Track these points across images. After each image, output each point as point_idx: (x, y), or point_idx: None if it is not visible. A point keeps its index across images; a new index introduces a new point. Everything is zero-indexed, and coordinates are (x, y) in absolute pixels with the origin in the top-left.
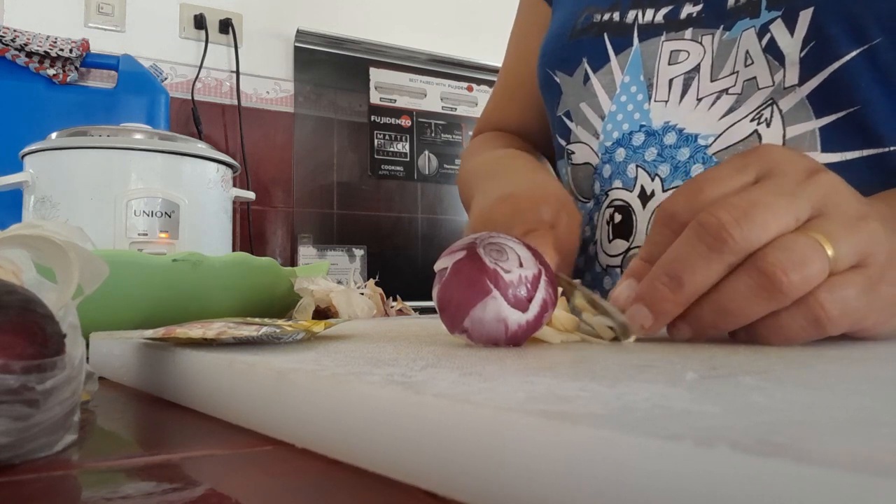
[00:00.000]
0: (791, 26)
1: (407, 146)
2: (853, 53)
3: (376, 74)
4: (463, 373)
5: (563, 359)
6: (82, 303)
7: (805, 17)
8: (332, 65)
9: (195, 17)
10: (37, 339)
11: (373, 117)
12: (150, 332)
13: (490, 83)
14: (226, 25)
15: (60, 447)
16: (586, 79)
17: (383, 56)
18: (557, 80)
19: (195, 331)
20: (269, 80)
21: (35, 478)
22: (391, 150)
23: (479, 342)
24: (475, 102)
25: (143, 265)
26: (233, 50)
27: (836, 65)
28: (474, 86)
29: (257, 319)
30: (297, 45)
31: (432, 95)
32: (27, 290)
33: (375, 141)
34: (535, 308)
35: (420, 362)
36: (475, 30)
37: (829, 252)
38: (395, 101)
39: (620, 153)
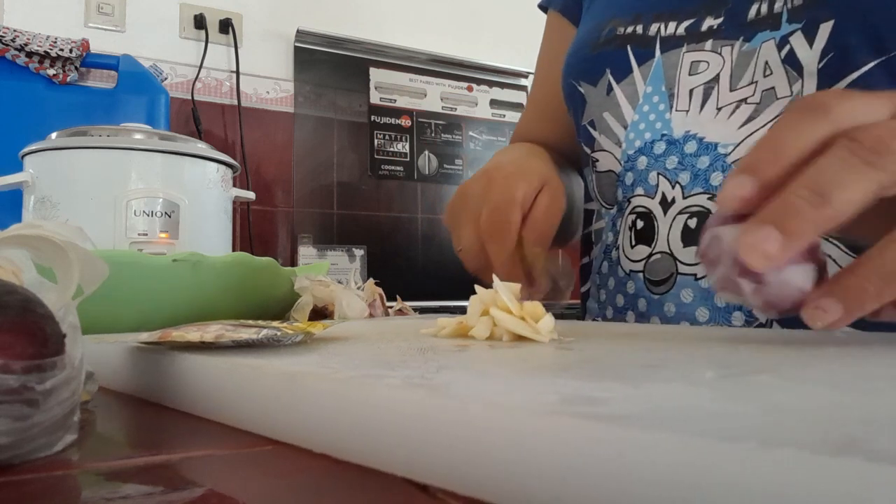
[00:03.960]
0: (811, 38)
1: (407, 146)
2: (871, 64)
3: (376, 74)
4: (478, 374)
5: (571, 359)
6: (82, 303)
7: (825, 29)
8: (332, 65)
9: (195, 17)
10: (37, 339)
11: (373, 117)
12: (145, 336)
13: (490, 83)
14: (226, 25)
15: (60, 447)
16: (609, 89)
17: (383, 56)
18: (581, 90)
19: (192, 334)
20: (269, 80)
21: (35, 478)
22: (391, 150)
23: (762, 299)
24: (475, 102)
25: (143, 265)
26: (233, 50)
27: (854, 75)
28: (474, 86)
29: (254, 321)
30: (297, 45)
31: (432, 95)
32: (27, 290)
33: (375, 141)
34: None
35: (431, 364)
36: (475, 30)
37: None
38: (395, 101)
39: (642, 161)
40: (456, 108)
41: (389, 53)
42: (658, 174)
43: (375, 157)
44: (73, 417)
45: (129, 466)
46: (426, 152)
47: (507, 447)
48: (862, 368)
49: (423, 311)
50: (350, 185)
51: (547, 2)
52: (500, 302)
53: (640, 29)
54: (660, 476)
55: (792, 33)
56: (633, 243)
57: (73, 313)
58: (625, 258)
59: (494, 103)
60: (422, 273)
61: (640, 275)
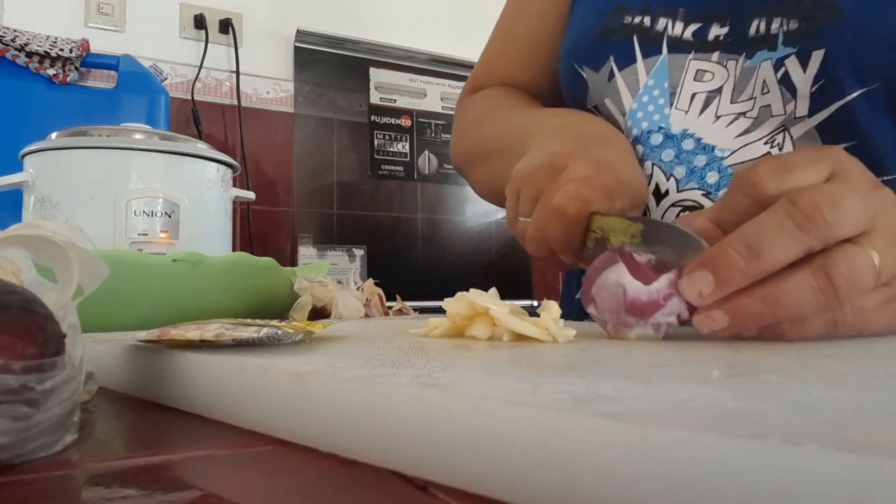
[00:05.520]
0: (804, 63)
1: (407, 146)
2: (855, 94)
3: (376, 74)
4: (486, 373)
5: (575, 359)
6: (82, 303)
7: (817, 57)
8: (332, 65)
9: (195, 17)
10: (37, 339)
11: (373, 117)
12: (143, 334)
13: None
14: (226, 25)
15: (60, 447)
16: (611, 76)
17: (383, 56)
18: (584, 75)
19: (192, 332)
20: (269, 80)
21: (35, 478)
22: (391, 150)
23: (603, 314)
24: None
25: (143, 265)
26: (233, 50)
27: (840, 102)
28: None
29: (253, 320)
30: (297, 45)
31: (432, 95)
32: (27, 290)
33: (375, 141)
34: (660, 283)
35: (436, 363)
36: (475, 30)
37: (876, 269)
38: (395, 101)
39: (638, 150)
40: None
41: (389, 53)
42: (653, 164)
43: (375, 157)
44: (73, 417)
45: (129, 466)
46: (426, 152)
47: (521, 446)
48: (868, 367)
49: (423, 311)
50: (350, 185)
51: None
52: (495, 303)
53: (647, 21)
54: (680, 475)
55: (787, 56)
56: None
57: (73, 313)
58: None
59: None
60: (422, 273)
61: None
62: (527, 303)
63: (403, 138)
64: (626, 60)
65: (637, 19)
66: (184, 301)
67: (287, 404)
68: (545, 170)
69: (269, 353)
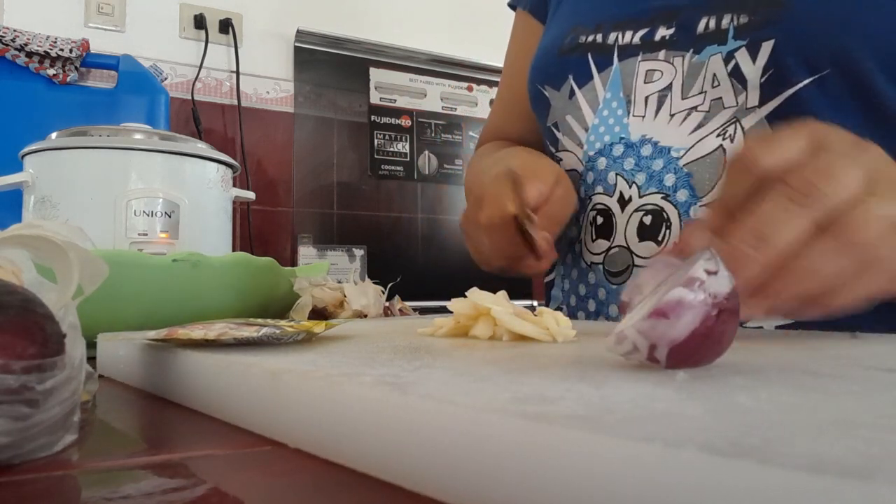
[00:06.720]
0: (753, 55)
1: (407, 146)
2: (806, 81)
3: (376, 74)
4: (455, 373)
5: (560, 358)
6: (82, 303)
7: (766, 47)
8: (332, 65)
9: (195, 17)
10: (37, 339)
11: (373, 117)
12: (153, 333)
13: (490, 83)
14: (226, 25)
15: (60, 447)
16: (571, 94)
17: (383, 56)
18: (546, 94)
19: (197, 332)
20: (269, 80)
21: (35, 478)
22: (391, 150)
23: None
24: (475, 102)
25: (143, 265)
26: (233, 50)
27: (791, 90)
28: (474, 86)
29: (259, 320)
30: (297, 45)
31: (432, 95)
32: (27, 290)
33: (375, 141)
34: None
35: (415, 363)
36: (475, 30)
37: (877, 213)
38: (395, 101)
39: (602, 162)
40: (456, 108)
41: (389, 53)
42: (616, 174)
43: (375, 157)
44: (73, 417)
45: (129, 466)
46: (426, 152)
47: (456, 445)
48: (853, 372)
49: (423, 311)
50: (350, 185)
51: (515, 1)
52: (498, 303)
53: (599, 38)
54: (581, 474)
55: (737, 49)
56: (594, 237)
57: (73, 313)
58: (586, 251)
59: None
60: (422, 273)
61: (600, 266)
62: (527, 303)
63: (403, 138)
64: (584, 78)
65: (591, 37)
66: (184, 301)
67: (264, 401)
68: (471, 211)
69: (268, 352)
